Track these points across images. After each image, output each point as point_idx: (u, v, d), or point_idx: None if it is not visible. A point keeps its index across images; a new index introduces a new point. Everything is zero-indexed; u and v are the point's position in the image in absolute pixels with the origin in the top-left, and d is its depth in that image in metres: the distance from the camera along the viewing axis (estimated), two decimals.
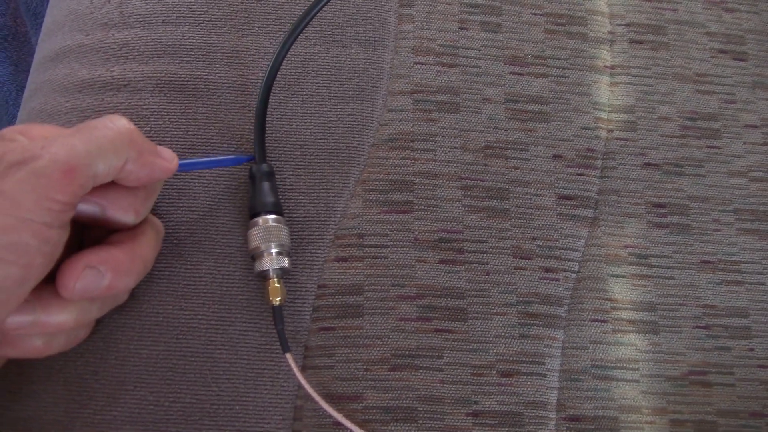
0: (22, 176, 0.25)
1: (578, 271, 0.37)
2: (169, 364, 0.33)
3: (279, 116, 0.37)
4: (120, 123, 0.28)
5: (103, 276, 0.28)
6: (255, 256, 0.33)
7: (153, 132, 0.36)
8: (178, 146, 0.36)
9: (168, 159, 0.30)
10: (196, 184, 0.36)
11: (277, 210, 0.34)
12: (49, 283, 0.27)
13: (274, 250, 0.33)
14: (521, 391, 0.34)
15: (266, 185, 0.34)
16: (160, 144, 0.36)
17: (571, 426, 0.34)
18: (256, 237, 0.33)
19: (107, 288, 0.28)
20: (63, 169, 0.25)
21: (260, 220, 0.33)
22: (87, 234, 0.31)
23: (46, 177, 0.25)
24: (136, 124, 0.36)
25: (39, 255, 0.25)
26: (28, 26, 0.77)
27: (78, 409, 0.32)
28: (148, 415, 0.32)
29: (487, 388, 0.34)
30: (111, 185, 0.29)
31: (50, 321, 0.28)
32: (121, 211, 0.29)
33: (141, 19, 0.39)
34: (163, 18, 0.39)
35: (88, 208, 0.29)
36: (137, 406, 0.32)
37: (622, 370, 0.36)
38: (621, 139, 0.40)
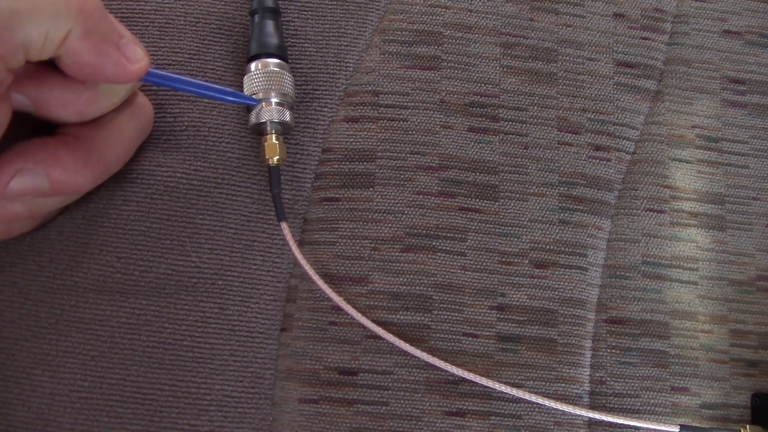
0: None
1: (634, 152, 0.31)
2: (141, 228, 0.28)
3: None
4: None
5: (42, 178, 0.23)
6: (251, 106, 0.28)
7: None
8: None
9: (132, 58, 0.23)
10: (183, 21, 0.30)
11: (281, 54, 0.29)
12: None
13: (274, 100, 0.28)
14: (557, 286, 0.29)
15: (270, 24, 0.29)
16: None
17: (613, 329, 0.29)
18: (254, 82, 0.28)
19: (51, 192, 0.23)
20: None
21: (260, 63, 0.28)
22: None
23: None
24: None
25: None
26: None
27: (36, 270, 0.28)
28: (115, 284, 0.27)
29: (516, 279, 0.29)
30: (47, 75, 0.22)
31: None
32: (59, 108, 0.23)
33: None
34: None
35: (14, 98, 0.23)
36: (102, 273, 0.27)
37: (678, 270, 0.30)
38: (697, 0, 0.33)
